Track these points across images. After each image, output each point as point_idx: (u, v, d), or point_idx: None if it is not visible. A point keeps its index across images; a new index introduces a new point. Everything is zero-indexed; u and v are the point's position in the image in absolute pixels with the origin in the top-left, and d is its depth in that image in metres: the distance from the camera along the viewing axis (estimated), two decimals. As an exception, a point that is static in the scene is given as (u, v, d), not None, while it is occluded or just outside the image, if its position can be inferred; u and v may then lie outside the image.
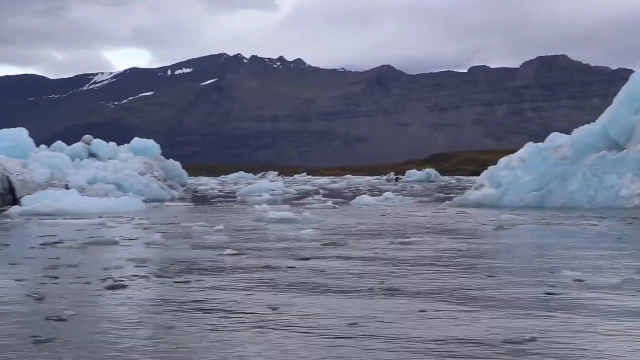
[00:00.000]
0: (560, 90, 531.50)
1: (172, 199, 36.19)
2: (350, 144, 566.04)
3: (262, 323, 6.26)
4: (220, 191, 52.26)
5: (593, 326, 6.07)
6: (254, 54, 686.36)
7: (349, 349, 5.38)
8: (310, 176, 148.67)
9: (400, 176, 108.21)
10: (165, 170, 38.90)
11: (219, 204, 32.26)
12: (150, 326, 6.22)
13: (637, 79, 30.40)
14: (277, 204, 30.33)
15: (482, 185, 28.55)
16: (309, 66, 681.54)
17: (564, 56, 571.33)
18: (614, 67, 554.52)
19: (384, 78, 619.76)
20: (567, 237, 14.43)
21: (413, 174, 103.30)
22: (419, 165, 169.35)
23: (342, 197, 36.47)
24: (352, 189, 58.08)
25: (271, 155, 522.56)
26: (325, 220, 19.33)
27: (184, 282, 8.69)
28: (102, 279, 8.85)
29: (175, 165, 40.12)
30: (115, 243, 13.47)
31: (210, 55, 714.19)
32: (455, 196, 29.87)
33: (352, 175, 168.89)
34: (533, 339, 5.61)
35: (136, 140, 40.65)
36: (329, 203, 28.44)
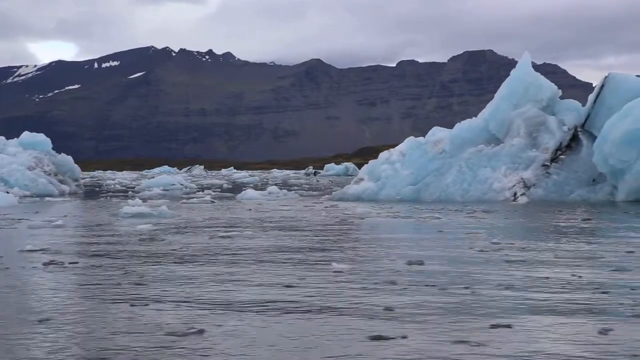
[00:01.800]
0: (487, 84, 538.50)
1: (62, 194, 35.66)
2: (280, 138, 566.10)
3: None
4: (124, 186, 51.62)
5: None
6: (183, 47, 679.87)
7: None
8: (235, 170, 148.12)
9: (319, 170, 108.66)
10: (56, 165, 38.28)
11: (102, 198, 31.89)
12: None
13: (518, 74, 31.00)
14: (165, 198, 30.15)
15: (362, 179, 28.78)
16: (238, 60, 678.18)
17: (490, 51, 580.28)
18: (539, 62, 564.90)
19: (313, 72, 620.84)
20: (396, 230, 14.65)
21: (332, 167, 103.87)
22: (348, 158, 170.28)
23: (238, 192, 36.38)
24: (262, 183, 58.09)
25: (200, 149, 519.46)
26: (181, 215, 19.27)
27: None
28: None
29: (67, 160, 39.49)
30: None
31: (138, 48, 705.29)
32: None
33: (279, 169, 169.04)
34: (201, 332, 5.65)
35: (26, 134, 39.87)
36: (207, 198, 28.33)
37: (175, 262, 9.81)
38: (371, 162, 29.48)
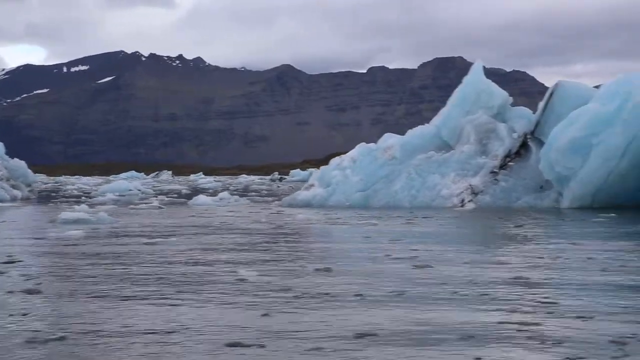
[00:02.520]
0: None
1: (13, 200, 35.32)
2: (250, 144, 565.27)
3: None
4: (81, 191, 51.22)
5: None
6: (153, 52, 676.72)
7: None
8: (203, 176, 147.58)
9: (284, 176, 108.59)
10: (8, 169, 37.90)
11: (52, 204, 31.63)
12: None
13: (470, 81, 31.21)
14: (117, 204, 29.98)
15: (312, 185, 28.79)
16: (209, 65, 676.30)
17: (460, 58, 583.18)
18: (508, 69, 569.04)
19: (284, 77, 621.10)
20: (324, 236, 14.67)
21: (297, 173, 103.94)
22: (317, 164, 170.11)
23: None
24: (223, 188, 58.04)
25: (170, 154, 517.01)
26: (120, 222, 19.15)
27: None
28: None
29: (19, 164, 39.12)
30: None
31: (108, 53, 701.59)
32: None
33: (248, 174, 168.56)
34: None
35: (-22, 139, 39.45)
36: (155, 203, 28.21)
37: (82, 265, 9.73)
38: (322, 168, 29.52)
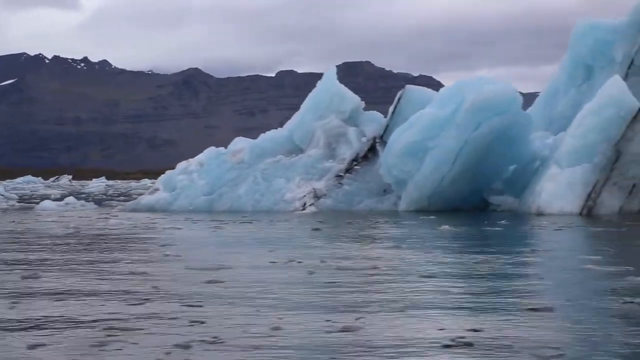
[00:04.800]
0: (364, 95, 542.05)
1: None
2: (157, 147, 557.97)
3: None
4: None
5: None
6: (57, 54, 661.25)
7: None
8: (105, 179, 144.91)
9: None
10: None
11: None
12: None
13: (323, 86, 31.42)
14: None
15: (157, 190, 28.54)
16: (115, 68, 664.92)
17: (368, 62, 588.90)
18: (415, 74, 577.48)
19: (192, 81, 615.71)
20: (114, 241, 14.53)
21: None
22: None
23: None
24: (109, 193, 57.50)
25: (74, 158, 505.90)
26: None
27: None
28: None
29: None
30: None
31: (9, 55, 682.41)
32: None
33: (151, 178, 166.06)
34: None
35: None
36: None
37: None
38: (168, 172, 29.25)
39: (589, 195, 22.93)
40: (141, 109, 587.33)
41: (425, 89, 30.93)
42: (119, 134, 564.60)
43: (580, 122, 23.51)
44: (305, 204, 26.93)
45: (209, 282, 8.55)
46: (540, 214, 22.71)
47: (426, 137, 25.89)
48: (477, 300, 7.35)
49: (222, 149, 29.86)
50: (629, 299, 7.27)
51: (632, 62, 26.02)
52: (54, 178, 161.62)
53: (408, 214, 24.81)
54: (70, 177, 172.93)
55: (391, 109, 30.15)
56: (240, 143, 30.06)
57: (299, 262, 10.41)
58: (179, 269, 9.72)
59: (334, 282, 8.51)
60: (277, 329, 5.99)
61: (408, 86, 31.01)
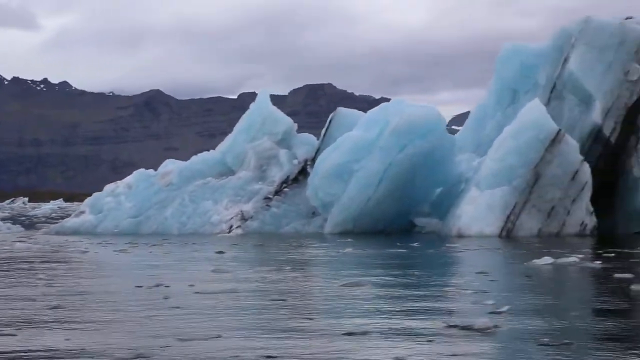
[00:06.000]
0: (325, 117, 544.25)
1: None
2: (119, 169, 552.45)
3: None
4: None
5: None
6: (16, 75, 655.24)
7: None
8: (63, 202, 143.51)
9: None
10: None
11: None
12: None
13: (256, 108, 31.33)
14: None
15: (83, 212, 28.24)
16: (75, 89, 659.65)
17: (329, 84, 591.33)
18: (377, 96, 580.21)
19: (153, 103, 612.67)
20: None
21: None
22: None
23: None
24: (52, 215, 56.83)
25: (34, 181, 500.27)
26: None
27: None
28: None
29: None
30: None
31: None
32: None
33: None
34: None
35: None
36: None
37: None
38: (95, 194, 28.97)
39: (508, 218, 23.08)
40: (102, 131, 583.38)
41: (355, 111, 31.07)
42: (79, 156, 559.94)
43: (500, 145, 23.71)
44: (231, 227, 26.81)
45: (54, 307, 8.44)
46: (460, 236, 22.79)
47: (352, 160, 25.93)
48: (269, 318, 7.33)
49: (151, 171, 29.68)
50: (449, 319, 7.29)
51: (554, 86, 26.30)
52: (9, 200, 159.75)
53: (332, 236, 24.82)
54: (27, 199, 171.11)
55: (323, 131, 30.23)
56: (169, 165, 29.91)
57: (167, 286, 10.30)
58: (39, 293, 9.59)
59: (181, 307, 8.44)
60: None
61: (339, 109, 31.16)
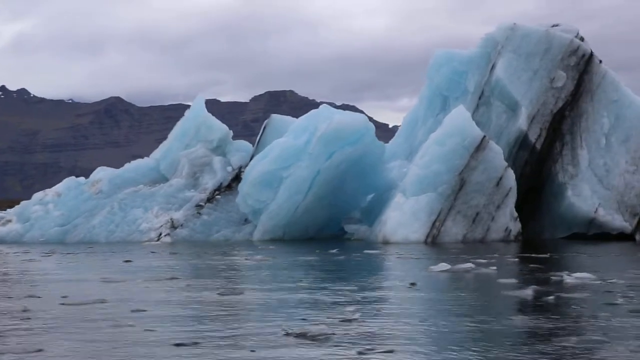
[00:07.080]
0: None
1: None
2: (78, 177, 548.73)
3: None
4: None
5: None
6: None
7: None
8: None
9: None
10: None
11: None
12: None
13: (191, 115, 31.02)
14: None
15: (10, 221, 27.79)
16: (34, 96, 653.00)
17: (291, 91, 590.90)
18: (339, 103, 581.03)
19: (113, 110, 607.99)
20: None
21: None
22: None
23: None
24: None
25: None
26: None
27: None
28: None
29: None
30: None
31: None
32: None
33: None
34: None
35: None
36: None
37: None
38: (23, 202, 28.53)
39: (433, 224, 23.12)
40: (61, 138, 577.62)
41: (289, 118, 30.95)
42: (38, 164, 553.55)
43: (425, 151, 23.76)
44: (160, 234, 26.54)
45: None
46: (386, 242, 22.78)
47: (281, 167, 25.82)
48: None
49: (82, 179, 29.33)
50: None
51: (482, 93, 26.44)
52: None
53: (260, 243, 24.71)
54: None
55: (257, 138, 30.12)
56: (99, 173, 29.52)
57: (39, 297, 10.09)
58: None
59: (32, 318, 8.25)
60: None
61: (273, 115, 31.06)
